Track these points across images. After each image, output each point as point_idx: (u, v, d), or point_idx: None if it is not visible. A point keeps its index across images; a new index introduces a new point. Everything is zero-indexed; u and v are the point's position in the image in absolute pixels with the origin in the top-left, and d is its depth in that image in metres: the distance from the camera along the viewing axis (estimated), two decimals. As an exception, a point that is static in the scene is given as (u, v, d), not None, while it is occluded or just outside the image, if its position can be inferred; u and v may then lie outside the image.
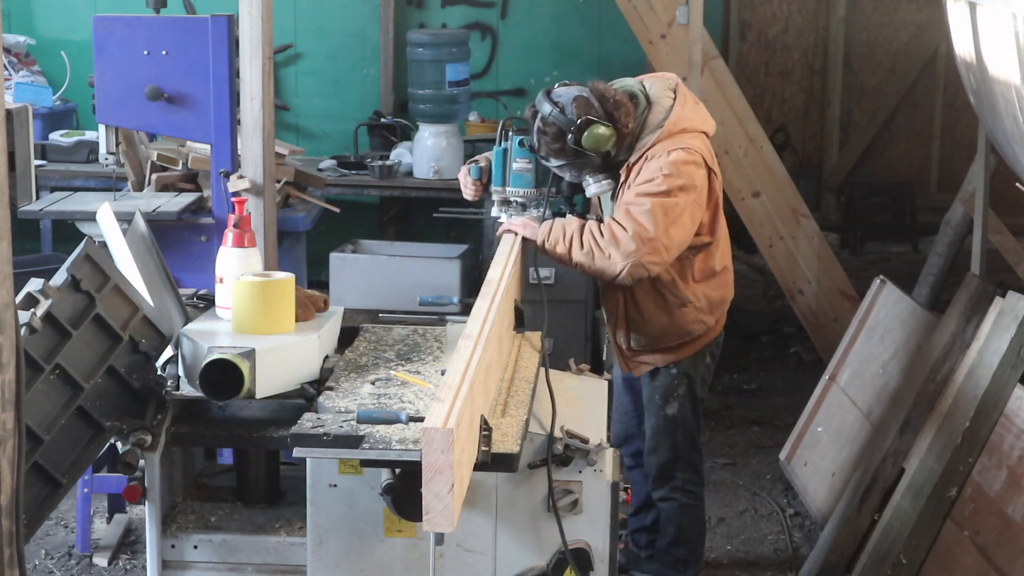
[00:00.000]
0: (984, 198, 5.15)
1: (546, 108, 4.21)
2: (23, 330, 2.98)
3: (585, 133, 4.18)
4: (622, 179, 4.28)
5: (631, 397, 4.73)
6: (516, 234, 4.27)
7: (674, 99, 4.33)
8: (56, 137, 7.33)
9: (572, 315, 6.45)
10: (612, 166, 4.33)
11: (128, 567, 4.97)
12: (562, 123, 4.18)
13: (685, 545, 4.62)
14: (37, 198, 5.42)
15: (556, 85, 4.33)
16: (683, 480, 4.57)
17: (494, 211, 4.45)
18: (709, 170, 4.29)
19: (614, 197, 4.34)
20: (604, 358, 4.96)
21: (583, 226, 4.21)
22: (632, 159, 4.26)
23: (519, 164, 4.34)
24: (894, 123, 9.02)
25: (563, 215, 4.38)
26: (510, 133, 4.36)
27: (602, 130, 4.18)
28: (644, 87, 4.38)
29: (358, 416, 3.12)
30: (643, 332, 4.42)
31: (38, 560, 5.04)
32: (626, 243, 4.13)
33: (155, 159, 5.84)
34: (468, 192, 4.51)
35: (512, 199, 4.38)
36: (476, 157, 4.56)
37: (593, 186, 4.33)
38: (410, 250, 7.04)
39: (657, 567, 4.67)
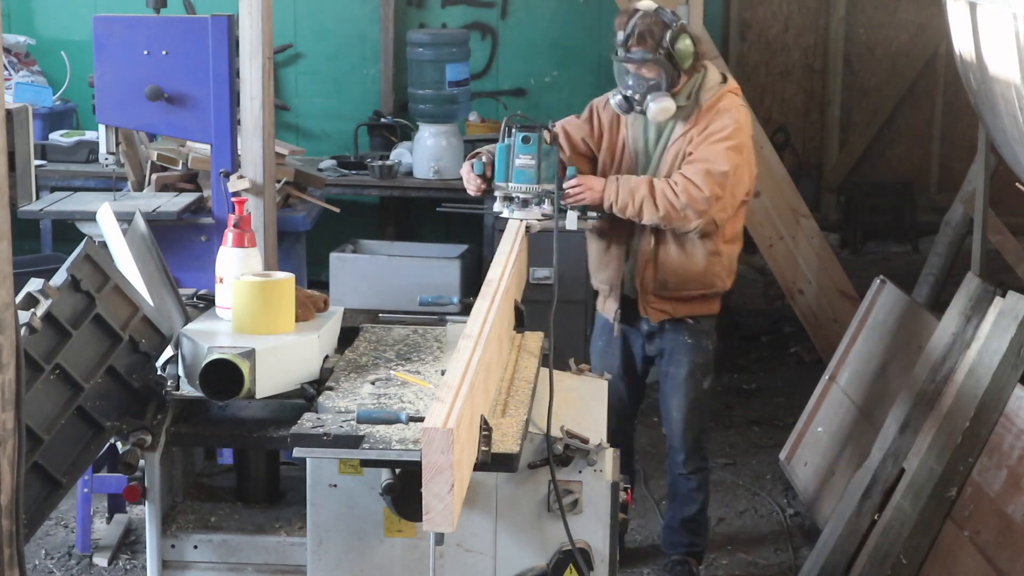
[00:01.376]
0: (984, 198, 5.15)
1: (651, 4, 4.48)
2: (23, 330, 2.98)
3: (680, 36, 4.43)
4: (684, 128, 4.49)
5: (622, 360, 4.86)
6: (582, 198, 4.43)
7: (722, 73, 4.65)
8: (56, 137, 7.34)
9: (572, 315, 6.45)
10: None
11: (128, 567, 4.97)
12: (667, 17, 4.44)
13: (706, 510, 4.97)
14: (37, 198, 5.42)
15: None
16: (708, 449, 4.96)
17: (496, 206, 4.47)
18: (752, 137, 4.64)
19: (678, 140, 4.50)
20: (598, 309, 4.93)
21: (653, 187, 4.38)
22: (701, 109, 4.49)
23: (522, 160, 4.35)
24: (894, 123, 9.03)
25: (565, 212, 4.46)
26: (513, 129, 4.37)
27: (690, 44, 4.45)
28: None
29: (358, 416, 3.12)
30: (671, 274, 4.57)
31: (38, 560, 5.04)
32: (702, 203, 4.37)
33: (155, 159, 5.84)
34: (471, 187, 4.54)
35: (515, 195, 4.40)
36: (478, 151, 4.59)
37: (655, 103, 4.44)
38: (410, 250, 7.04)
39: (688, 537, 4.93)
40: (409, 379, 3.48)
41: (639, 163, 4.64)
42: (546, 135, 4.40)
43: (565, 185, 4.41)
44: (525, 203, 4.40)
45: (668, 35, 4.42)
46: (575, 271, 5.70)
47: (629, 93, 4.52)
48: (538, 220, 4.38)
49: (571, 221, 4.43)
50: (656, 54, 4.43)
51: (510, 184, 4.39)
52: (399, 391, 3.38)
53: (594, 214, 4.49)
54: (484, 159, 4.50)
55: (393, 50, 8.34)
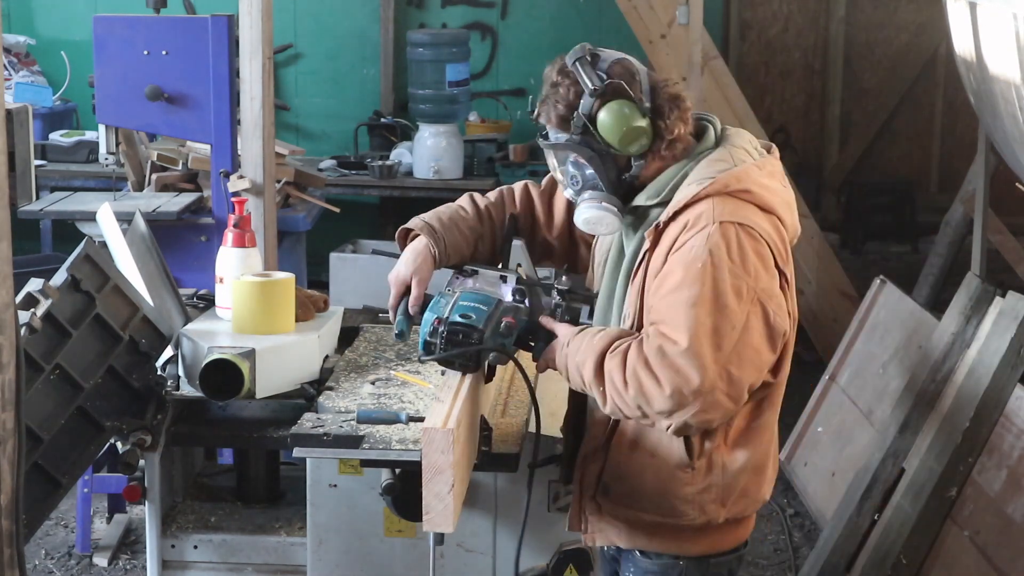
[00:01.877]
0: (984, 198, 5.15)
1: (574, 56, 2.88)
2: (23, 330, 2.98)
3: (608, 105, 2.82)
4: (646, 246, 2.82)
5: None
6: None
7: (755, 157, 2.89)
8: (56, 137, 7.33)
9: (572, 315, 6.43)
10: (628, 209, 2.90)
11: (128, 567, 4.97)
12: (587, 78, 2.84)
13: None
14: (37, 198, 5.43)
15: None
16: None
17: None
18: (781, 274, 2.81)
19: (637, 269, 2.84)
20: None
21: (602, 369, 2.75)
22: (663, 217, 2.79)
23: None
24: (894, 123, 9.02)
25: None
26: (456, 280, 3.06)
27: (632, 113, 2.82)
28: (718, 126, 2.97)
29: (358, 416, 3.12)
30: (615, 478, 2.91)
31: (38, 560, 5.04)
32: (660, 403, 2.67)
33: (155, 159, 5.84)
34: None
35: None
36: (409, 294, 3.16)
37: (582, 208, 2.87)
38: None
39: None
40: (409, 379, 3.48)
41: (601, 290, 3.01)
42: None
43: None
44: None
45: (585, 102, 2.82)
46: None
47: (567, 193, 2.97)
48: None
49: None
50: (570, 134, 2.86)
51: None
52: (399, 391, 3.38)
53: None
54: (413, 308, 3.11)
55: (393, 50, 8.34)
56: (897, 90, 8.95)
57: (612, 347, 2.75)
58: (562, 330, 2.89)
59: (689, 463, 2.82)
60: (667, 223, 2.77)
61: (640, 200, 2.87)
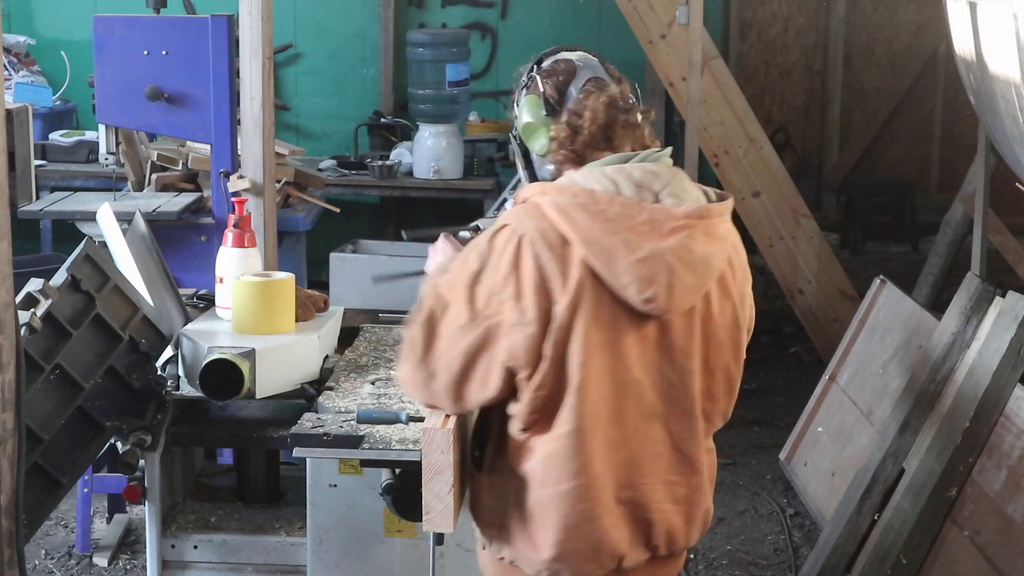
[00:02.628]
0: (984, 198, 5.15)
1: (539, 54, 2.87)
2: (23, 330, 2.98)
3: (524, 99, 2.79)
4: None
5: None
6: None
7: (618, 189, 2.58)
8: (56, 137, 7.33)
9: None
10: None
11: (128, 567, 4.97)
12: (524, 73, 2.85)
13: None
14: (37, 198, 5.42)
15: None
16: None
17: None
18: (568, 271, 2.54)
19: None
20: None
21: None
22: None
23: None
24: (894, 123, 9.02)
25: None
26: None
27: (535, 109, 2.74)
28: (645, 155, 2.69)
29: (358, 416, 3.12)
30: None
31: (38, 560, 5.04)
32: (402, 365, 2.70)
33: (155, 159, 5.84)
34: None
35: None
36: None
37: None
38: (410, 250, 7.03)
39: None
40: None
41: None
42: None
43: None
44: None
45: (517, 98, 2.82)
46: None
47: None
48: None
49: None
50: (513, 128, 2.84)
51: None
52: (399, 391, 3.38)
53: None
54: None
55: (393, 50, 8.33)
56: (897, 90, 8.95)
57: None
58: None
59: (494, 464, 2.74)
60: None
61: None
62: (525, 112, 2.76)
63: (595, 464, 2.59)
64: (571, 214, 2.54)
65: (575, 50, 2.81)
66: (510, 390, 2.58)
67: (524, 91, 2.79)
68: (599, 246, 2.52)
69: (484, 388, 2.59)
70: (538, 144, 2.74)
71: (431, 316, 2.61)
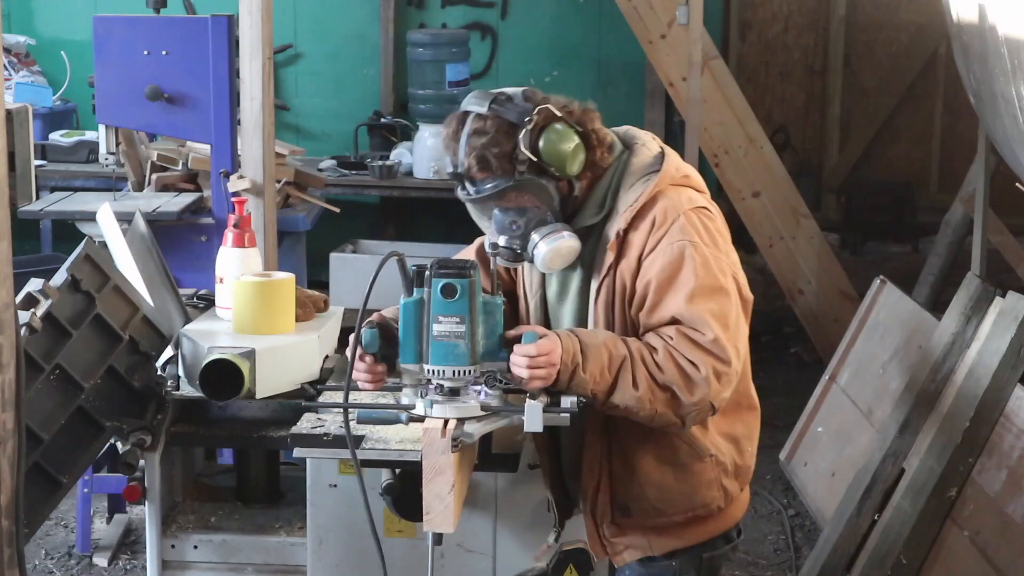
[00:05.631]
0: (984, 198, 5.15)
1: (482, 101, 2.81)
2: (23, 330, 2.98)
3: (545, 132, 2.79)
4: (609, 259, 2.84)
5: None
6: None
7: (655, 142, 2.96)
8: (56, 137, 7.33)
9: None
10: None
11: (128, 567, 4.97)
12: (512, 114, 2.79)
13: None
14: (37, 198, 5.42)
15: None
16: None
17: (404, 396, 2.82)
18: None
19: (595, 282, 2.88)
20: (553, 539, 3.16)
21: (629, 360, 2.73)
22: (622, 225, 2.82)
23: (444, 326, 2.69)
24: (894, 123, 9.02)
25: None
26: (428, 274, 2.72)
27: (565, 132, 2.80)
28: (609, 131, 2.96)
29: (358, 416, 3.12)
30: (633, 497, 2.94)
31: (38, 560, 5.04)
32: (701, 384, 2.72)
33: (155, 159, 5.84)
34: (362, 380, 2.84)
35: (436, 381, 2.73)
36: (372, 316, 2.88)
37: (546, 243, 2.81)
38: (410, 250, 7.04)
39: None
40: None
41: (552, 324, 3.01)
42: (484, 279, 2.77)
43: (514, 358, 2.70)
44: (454, 392, 2.74)
45: (522, 140, 2.77)
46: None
47: (504, 241, 2.86)
48: (476, 419, 2.74)
49: (533, 418, 2.69)
50: (515, 174, 2.80)
51: (426, 366, 2.74)
52: (399, 391, 3.38)
53: (571, 402, 2.70)
54: (375, 324, 2.82)
55: (393, 50, 8.33)
56: (897, 90, 8.95)
57: (630, 343, 2.74)
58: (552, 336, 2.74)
59: (700, 452, 2.91)
60: (627, 230, 2.82)
61: (586, 220, 2.88)
62: (562, 142, 2.79)
63: None
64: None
65: (494, 91, 2.86)
66: None
67: (539, 130, 2.79)
68: None
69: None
70: (578, 164, 2.83)
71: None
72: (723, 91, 7.07)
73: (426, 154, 7.43)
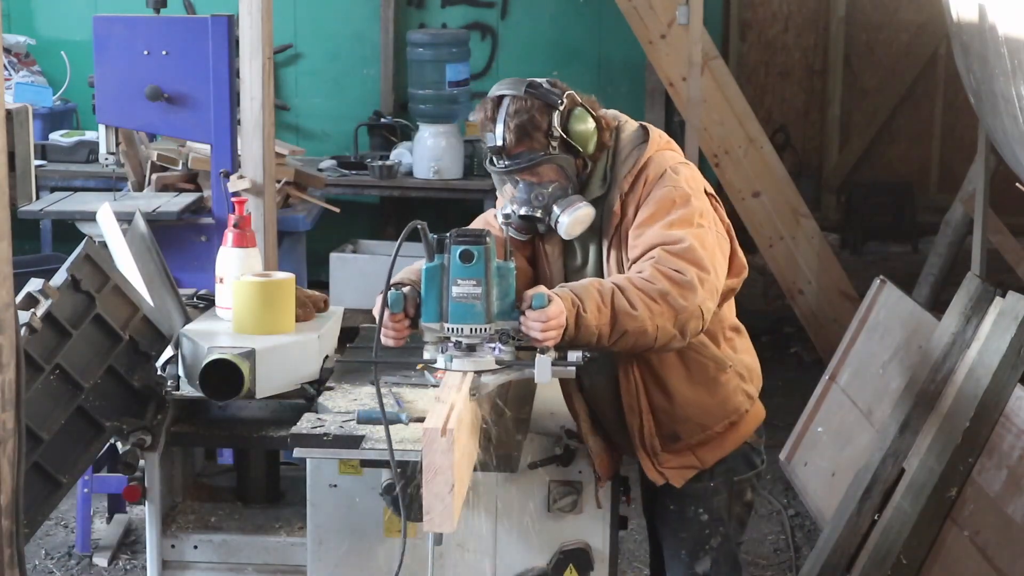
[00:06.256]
0: (984, 198, 5.15)
1: (517, 86, 3.25)
2: (23, 330, 2.98)
3: (574, 114, 3.24)
4: (614, 222, 3.25)
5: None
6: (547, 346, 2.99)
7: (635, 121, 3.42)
8: (56, 137, 7.33)
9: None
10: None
11: (128, 567, 4.97)
12: (547, 96, 3.23)
13: None
14: (37, 198, 5.43)
15: None
16: None
17: (426, 352, 3.07)
18: (710, 196, 3.35)
19: (605, 244, 3.29)
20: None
21: (617, 289, 3.04)
22: (624, 189, 3.25)
23: (463, 288, 2.97)
24: (894, 123, 9.02)
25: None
26: (447, 242, 3.02)
27: (585, 115, 3.25)
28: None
29: (358, 416, 3.12)
30: (678, 420, 3.32)
31: (38, 560, 5.04)
32: (690, 286, 3.06)
33: (155, 159, 5.84)
34: (389, 337, 3.08)
35: (454, 339, 3.00)
36: (401, 275, 3.20)
37: (567, 215, 3.20)
38: (410, 250, 7.03)
39: None
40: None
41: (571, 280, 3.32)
42: (496, 247, 3.03)
43: (527, 320, 2.96)
44: (471, 348, 3.00)
45: (556, 119, 3.20)
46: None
47: (526, 211, 3.24)
48: (491, 372, 3.00)
49: (542, 370, 2.97)
50: (549, 149, 3.21)
51: (446, 324, 3.00)
52: (399, 391, 3.38)
53: (577, 356, 3.00)
54: (405, 289, 3.09)
55: (393, 50, 8.33)
56: (897, 90, 8.95)
57: (613, 283, 3.06)
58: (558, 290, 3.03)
59: (723, 365, 3.34)
60: (627, 193, 3.25)
61: (594, 192, 3.29)
62: (584, 124, 3.25)
63: None
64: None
65: (512, 80, 3.31)
66: None
67: (568, 112, 3.23)
68: None
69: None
70: (593, 144, 3.26)
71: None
72: (723, 91, 7.07)
73: (426, 154, 7.43)
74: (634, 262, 3.16)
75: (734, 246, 3.35)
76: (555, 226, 3.23)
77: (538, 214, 3.24)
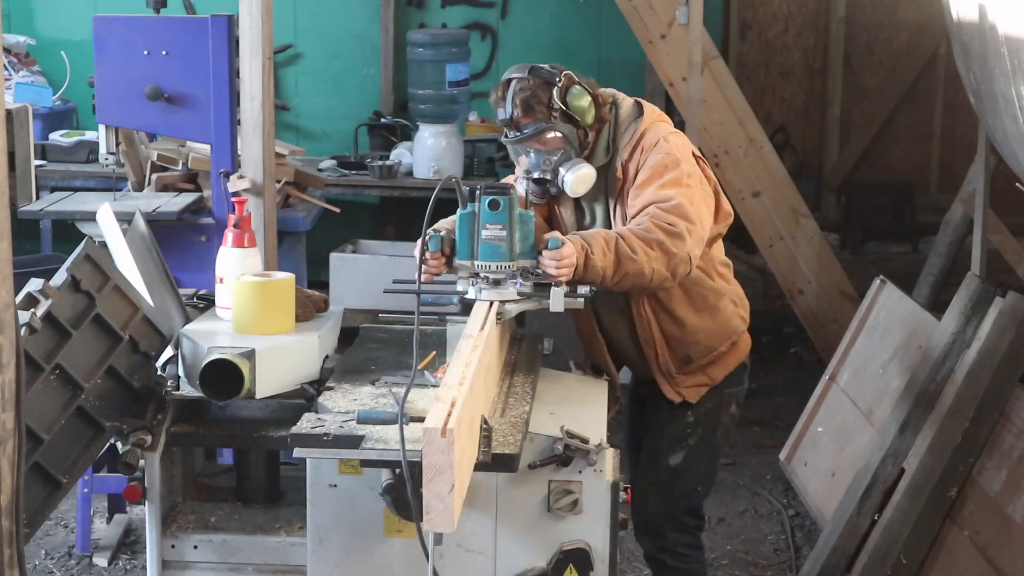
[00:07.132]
0: (984, 198, 5.15)
1: (522, 70, 3.77)
2: (23, 330, 2.98)
3: (571, 90, 3.74)
4: (618, 185, 3.79)
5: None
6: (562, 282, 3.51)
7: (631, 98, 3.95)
8: (56, 137, 7.33)
9: (573, 315, 6.44)
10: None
11: (128, 567, 4.97)
12: (547, 75, 3.73)
13: None
14: (37, 198, 5.42)
15: None
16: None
17: (459, 285, 3.61)
18: (697, 158, 3.88)
19: (611, 202, 3.82)
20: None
21: (620, 237, 3.56)
22: (625, 157, 3.78)
23: (490, 231, 3.50)
24: (894, 123, 9.03)
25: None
26: (478, 193, 3.53)
27: (584, 95, 3.75)
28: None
29: (358, 416, 3.12)
30: (689, 343, 3.88)
31: (38, 560, 5.04)
32: (680, 236, 3.57)
33: (155, 159, 5.84)
34: (429, 270, 3.61)
35: (483, 274, 3.53)
36: (436, 225, 3.74)
37: (571, 174, 3.73)
38: (410, 250, 7.03)
39: None
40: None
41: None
42: (519, 198, 3.58)
43: (544, 259, 3.49)
44: (496, 282, 3.53)
45: (555, 94, 3.72)
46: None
47: (537, 174, 3.78)
48: (514, 301, 3.54)
49: (556, 301, 3.51)
50: (551, 119, 3.73)
51: (476, 262, 3.52)
52: (399, 391, 3.38)
53: (585, 290, 3.55)
54: (442, 233, 3.64)
55: (393, 50, 8.34)
56: (897, 90, 8.96)
57: (610, 233, 3.57)
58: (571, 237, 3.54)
59: (720, 294, 3.88)
60: (627, 160, 3.77)
61: (598, 162, 3.80)
62: (581, 98, 3.75)
63: None
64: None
65: (520, 65, 3.81)
66: None
67: (565, 89, 3.74)
68: None
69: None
70: (592, 117, 3.76)
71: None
72: (723, 91, 7.07)
73: (426, 154, 7.42)
74: (633, 217, 3.68)
75: (719, 199, 3.85)
76: (562, 185, 3.76)
77: (548, 176, 3.77)
